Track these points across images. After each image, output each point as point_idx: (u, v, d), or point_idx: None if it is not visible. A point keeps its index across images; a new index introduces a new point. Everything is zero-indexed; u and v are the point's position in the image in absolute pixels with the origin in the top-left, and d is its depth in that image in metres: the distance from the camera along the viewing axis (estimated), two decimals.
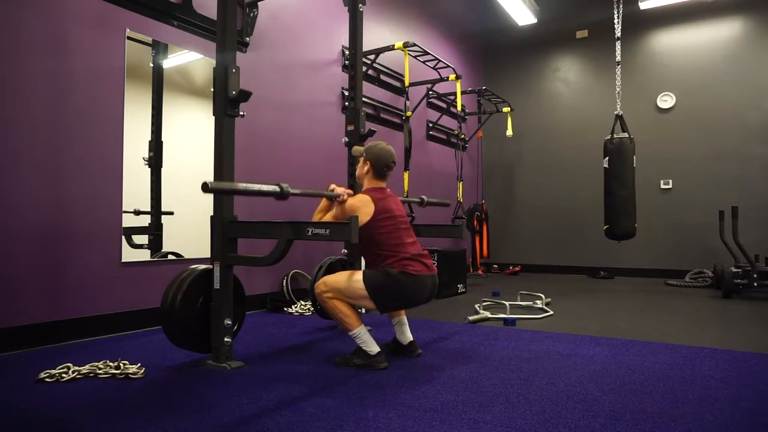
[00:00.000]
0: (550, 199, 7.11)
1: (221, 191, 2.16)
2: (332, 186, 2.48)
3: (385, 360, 2.28)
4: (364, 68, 4.85)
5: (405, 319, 2.54)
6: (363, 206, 2.34)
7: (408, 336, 2.51)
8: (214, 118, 2.36)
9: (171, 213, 3.27)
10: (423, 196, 3.30)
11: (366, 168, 2.49)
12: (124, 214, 3.02)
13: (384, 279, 2.26)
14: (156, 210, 3.24)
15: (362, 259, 3.16)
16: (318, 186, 4.36)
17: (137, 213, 3.11)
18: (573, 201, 6.92)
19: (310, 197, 2.93)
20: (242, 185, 2.09)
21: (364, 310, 3.11)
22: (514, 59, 7.51)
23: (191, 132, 3.52)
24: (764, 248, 5.33)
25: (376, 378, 2.12)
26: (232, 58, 2.34)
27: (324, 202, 2.51)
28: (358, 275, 2.30)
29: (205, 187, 1.93)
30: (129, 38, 3.06)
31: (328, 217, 2.42)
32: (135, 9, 3.09)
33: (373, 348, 2.27)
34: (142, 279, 3.10)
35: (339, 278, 2.33)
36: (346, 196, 2.39)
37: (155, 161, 3.23)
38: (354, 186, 3.09)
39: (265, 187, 2.11)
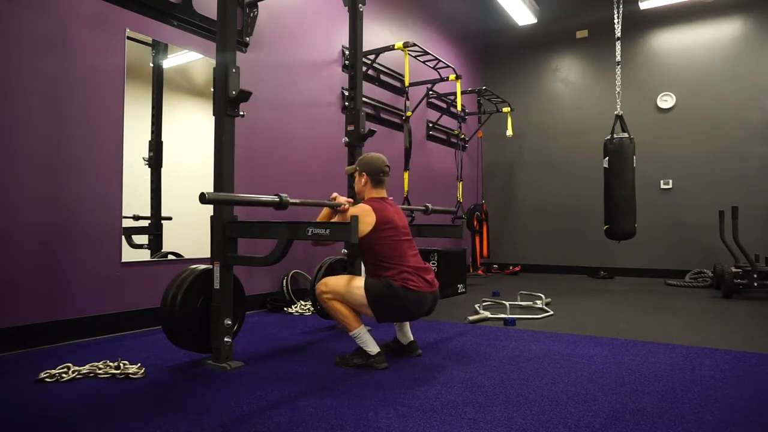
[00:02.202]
0: (550, 199, 7.11)
1: (219, 202, 2.15)
2: (334, 195, 2.48)
3: (385, 360, 2.28)
4: (364, 68, 4.85)
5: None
6: (364, 216, 2.32)
7: (408, 336, 2.51)
8: (214, 118, 2.36)
9: (169, 218, 3.27)
10: (428, 204, 3.28)
11: (363, 180, 2.49)
12: (123, 219, 3.02)
13: (385, 290, 2.25)
14: (156, 210, 3.24)
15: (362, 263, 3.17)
16: (318, 186, 4.38)
17: (136, 218, 3.11)
18: (573, 201, 6.92)
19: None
20: (240, 196, 2.08)
21: None
22: (514, 59, 7.51)
23: (191, 132, 3.52)
24: (764, 248, 5.33)
25: (376, 378, 2.12)
26: (232, 58, 2.34)
27: (325, 211, 2.50)
28: (360, 282, 2.30)
29: (203, 198, 1.93)
30: (129, 38, 3.06)
31: None
32: (135, 9, 3.09)
33: (373, 348, 2.27)
34: (142, 279, 3.10)
35: (340, 281, 2.33)
36: (347, 206, 2.39)
37: (155, 161, 3.23)
38: (353, 196, 3.08)
39: (264, 198, 2.11)
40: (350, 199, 2.48)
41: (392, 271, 2.29)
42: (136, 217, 3.10)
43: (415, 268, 2.33)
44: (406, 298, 2.25)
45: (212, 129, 2.37)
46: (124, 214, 3.02)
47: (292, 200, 2.16)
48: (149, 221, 3.21)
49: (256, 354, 2.52)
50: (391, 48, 4.76)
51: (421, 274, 2.33)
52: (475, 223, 6.42)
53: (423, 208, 3.26)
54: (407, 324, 2.54)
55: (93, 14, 2.88)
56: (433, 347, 2.68)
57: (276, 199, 2.11)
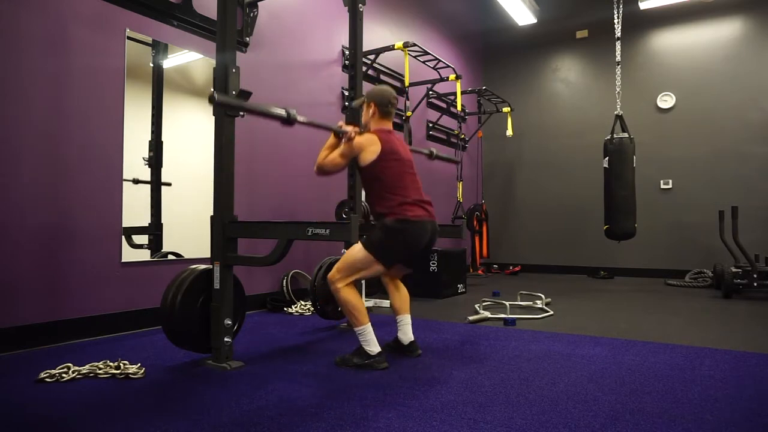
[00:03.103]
0: (550, 199, 7.11)
1: (227, 105, 2.11)
2: (340, 123, 2.47)
3: (385, 360, 2.28)
4: (364, 68, 4.85)
5: (409, 318, 2.54)
6: (370, 144, 2.34)
7: (409, 336, 2.51)
8: (214, 118, 2.36)
9: (169, 184, 3.27)
10: (432, 149, 3.28)
11: (371, 110, 2.49)
12: (124, 188, 3.02)
13: (380, 234, 2.27)
14: (156, 210, 3.24)
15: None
16: (318, 186, 4.38)
17: (136, 182, 3.09)
18: (573, 201, 6.92)
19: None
20: (249, 103, 2.07)
21: (372, 302, 3.07)
22: (514, 59, 7.51)
23: (191, 132, 3.52)
24: (764, 248, 5.33)
25: (376, 378, 2.12)
26: (232, 58, 2.34)
27: (331, 139, 2.49)
28: (357, 245, 2.30)
29: (212, 99, 1.91)
30: (129, 38, 3.06)
31: (335, 154, 2.40)
32: (135, 9, 3.09)
33: (374, 348, 2.27)
34: (142, 279, 3.10)
35: (344, 257, 2.33)
36: (353, 134, 2.38)
37: (155, 161, 3.23)
38: (353, 196, 3.09)
39: (273, 110, 2.10)
40: (357, 128, 2.46)
41: (393, 202, 2.30)
42: (136, 181, 3.09)
43: (416, 199, 2.36)
44: (402, 230, 2.27)
45: (212, 129, 2.37)
46: (124, 177, 3.01)
47: (299, 118, 2.16)
48: (149, 220, 3.21)
49: (256, 354, 2.52)
50: (391, 48, 4.76)
51: (420, 204, 2.36)
52: (475, 223, 6.42)
53: (428, 151, 3.24)
54: (410, 324, 2.53)
55: (93, 14, 2.88)
56: (433, 347, 2.68)
57: (284, 113, 2.12)
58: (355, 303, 2.29)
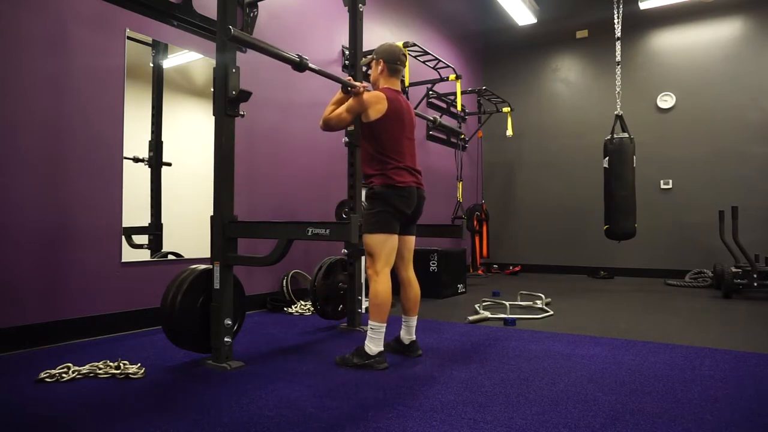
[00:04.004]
0: (550, 199, 7.11)
1: (242, 41, 2.11)
2: (349, 78, 2.47)
3: (385, 360, 2.28)
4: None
5: (415, 321, 2.53)
6: (377, 102, 2.35)
7: (411, 335, 2.51)
8: (214, 118, 2.36)
9: (169, 164, 3.28)
10: (436, 117, 3.28)
11: (380, 68, 2.49)
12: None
13: (370, 204, 2.32)
14: (156, 210, 3.24)
15: (362, 259, 3.16)
16: (318, 186, 4.39)
17: (136, 160, 3.09)
18: (573, 201, 6.92)
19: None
20: (263, 42, 2.10)
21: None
22: (514, 59, 7.51)
23: (191, 132, 3.52)
24: (764, 248, 5.34)
25: (376, 378, 2.12)
26: (232, 58, 2.34)
27: (339, 94, 2.50)
28: (363, 236, 2.34)
29: (228, 33, 1.94)
30: (129, 38, 3.06)
31: (341, 109, 2.40)
32: (135, 9, 3.09)
33: (376, 347, 2.27)
34: (142, 279, 3.10)
35: (365, 250, 2.36)
36: (362, 89, 2.38)
37: (155, 161, 3.23)
38: (353, 196, 3.08)
39: (285, 53, 2.13)
40: (366, 84, 2.45)
41: (386, 166, 2.34)
42: (136, 159, 3.09)
43: (408, 165, 2.39)
44: (391, 195, 2.31)
45: (212, 129, 2.37)
46: (125, 155, 3.02)
47: (311, 65, 2.20)
48: (149, 221, 3.21)
49: (256, 354, 2.52)
50: None
51: (410, 171, 2.40)
52: (475, 223, 6.42)
53: (431, 119, 3.26)
54: (414, 326, 2.52)
55: (93, 14, 2.88)
56: (433, 347, 2.68)
57: (296, 58, 2.16)
58: (384, 298, 2.29)
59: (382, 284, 2.30)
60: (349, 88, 2.40)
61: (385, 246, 2.32)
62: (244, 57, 3.76)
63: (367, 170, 2.41)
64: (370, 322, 2.30)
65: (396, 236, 2.36)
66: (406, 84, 5.08)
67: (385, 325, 2.30)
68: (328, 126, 2.44)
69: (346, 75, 4.65)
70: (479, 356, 2.48)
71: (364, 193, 2.54)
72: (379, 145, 2.36)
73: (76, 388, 1.97)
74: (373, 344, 2.27)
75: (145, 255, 3.17)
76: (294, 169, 4.20)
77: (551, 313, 3.68)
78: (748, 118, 5.95)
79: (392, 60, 2.47)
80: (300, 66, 2.16)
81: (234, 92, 2.30)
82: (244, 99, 2.32)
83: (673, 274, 6.12)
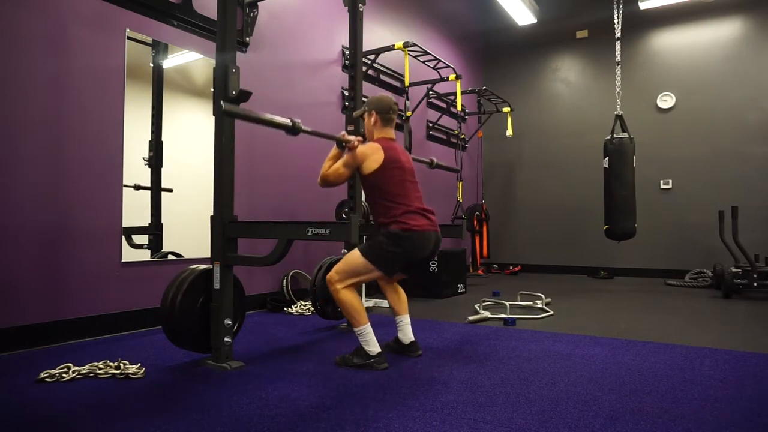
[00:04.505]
0: (550, 199, 7.11)
1: (235, 115, 2.11)
2: (342, 133, 2.47)
3: (385, 360, 2.28)
4: (364, 68, 4.85)
5: (408, 318, 2.54)
6: (373, 153, 2.35)
7: (409, 336, 2.51)
8: (214, 118, 2.36)
9: (170, 190, 3.28)
10: (433, 158, 3.29)
11: (373, 119, 2.49)
12: (124, 189, 3.02)
13: (383, 241, 2.27)
14: (156, 210, 3.24)
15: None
16: (319, 187, 4.37)
17: (137, 188, 3.10)
18: (573, 201, 6.92)
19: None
20: (255, 113, 2.08)
21: (371, 302, 3.08)
22: (514, 59, 7.51)
23: (191, 132, 3.52)
24: (764, 248, 5.33)
25: (376, 378, 2.12)
26: (232, 58, 2.34)
27: (334, 150, 2.48)
28: (355, 251, 2.31)
29: (220, 109, 1.92)
30: (129, 38, 3.06)
31: (338, 164, 2.39)
32: (135, 9, 3.09)
33: (374, 348, 2.27)
34: (142, 279, 3.10)
35: (344, 260, 2.34)
36: (356, 143, 2.38)
37: (155, 161, 3.23)
38: (352, 196, 3.08)
39: (277, 119, 2.10)
40: (360, 138, 2.45)
41: (397, 211, 2.30)
42: (137, 187, 3.10)
43: (418, 208, 2.36)
44: (404, 238, 2.26)
45: (212, 129, 2.37)
46: (123, 184, 3.02)
47: (304, 127, 2.16)
48: (149, 220, 3.21)
49: (256, 354, 2.52)
50: (391, 48, 4.76)
51: (423, 214, 2.36)
52: (475, 223, 6.42)
53: (428, 161, 3.26)
54: (409, 324, 2.54)
55: (93, 14, 2.88)
56: (433, 347, 2.68)
57: (288, 122, 2.12)
58: (354, 304, 2.29)
59: (347, 293, 2.29)
60: (344, 144, 2.40)
61: (368, 274, 2.31)
62: (244, 57, 3.76)
63: (381, 220, 2.36)
64: (354, 330, 2.30)
65: (383, 274, 2.35)
66: (406, 84, 5.08)
67: (368, 324, 2.29)
68: (327, 183, 2.42)
69: (345, 75, 4.66)
70: (479, 356, 2.48)
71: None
72: (384, 193, 2.35)
73: (76, 388, 1.97)
74: (370, 345, 2.27)
75: (145, 255, 3.17)
76: (294, 169, 4.20)
77: (551, 313, 3.68)
78: (748, 118, 5.95)
79: (384, 110, 2.47)
80: (293, 130, 2.12)
81: (234, 92, 2.30)
82: (244, 99, 2.32)
83: (673, 274, 6.12)
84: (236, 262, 2.32)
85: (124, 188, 3.01)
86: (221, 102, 1.97)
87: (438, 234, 2.41)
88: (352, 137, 2.41)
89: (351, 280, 2.30)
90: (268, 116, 2.08)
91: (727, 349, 2.63)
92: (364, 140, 2.49)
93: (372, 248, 2.28)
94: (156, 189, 3.24)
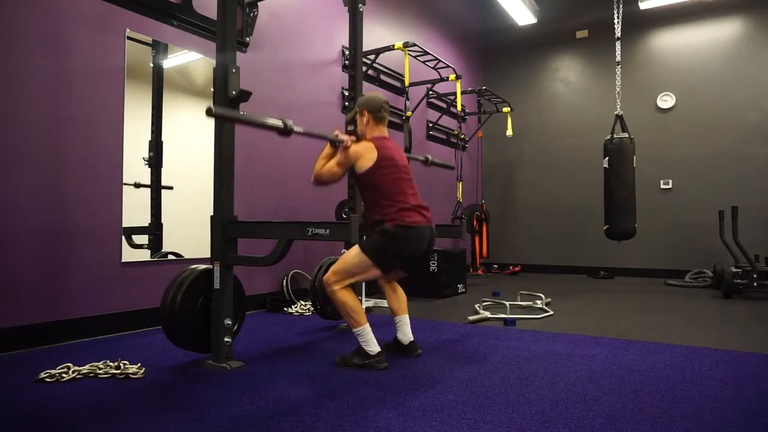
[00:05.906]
0: (550, 199, 7.11)
1: (225, 117, 2.10)
2: (336, 132, 2.47)
3: (385, 360, 2.28)
4: (364, 68, 4.85)
5: (407, 318, 2.55)
6: (366, 152, 2.34)
7: (409, 336, 2.51)
8: (214, 118, 2.36)
9: (170, 187, 3.27)
10: (428, 155, 3.29)
11: (365, 119, 2.48)
12: (124, 188, 3.02)
13: (379, 238, 2.27)
14: (156, 210, 3.24)
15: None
16: (319, 187, 4.37)
17: (137, 186, 3.10)
18: (573, 201, 6.92)
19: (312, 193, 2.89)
20: (246, 115, 2.06)
21: (371, 302, 3.09)
22: (514, 59, 7.51)
23: (191, 132, 3.52)
24: (764, 248, 5.33)
25: (376, 378, 2.12)
26: (232, 58, 2.34)
27: (328, 148, 2.48)
28: (354, 248, 2.30)
29: (209, 112, 1.91)
30: (129, 38, 3.06)
31: (332, 163, 2.39)
32: (135, 9, 3.09)
33: (374, 348, 2.27)
34: (142, 279, 3.10)
35: (341, 260, 2.33)
36: (350, 142, 2.38)
37: (155, 161, 3.23)
38: (352, 197, 3.08)
39: (269, 120, 2.09)
40: (353, 136, 2.45)
41: (392, 209, 2.30)
42: (138, 185, 3.10)
43: (414, 205, 2.36)
44: (401, 236, 2.26)
45: (212, 129, 2.37)
46: (124, 182, 3.02)
47: (296, 128, 2.15)
48: (149, 220, 3.21)
49: (256, 354, 2.52)
50: (391, 48, 4.76)
51: (418, 210, 2.36)
52: (475, 223, 6.42)
53: (423, 158, 3.26)
54: (408, 324, 2.54)
55: (93, 14, 2.88)
56: (433, 347, 2.68)
57: (280, 123, 2.10)
58: (352, 304, 2.28)
59: (344, 294, 2.29)
60: (337, 143, 2.40)
61: (365, 273, 2.31)
62: (244, 57, 3.76)
63: (375, 216, 2.35)
64: (353, 330, 2.30)
65: (381, 272, 2.34)
66: (406, 84, 5.08)
67: (367, 324, 2.29)
68: (320, 181, 2.41)
69: (345, 75, 4.66)
70: (479, 356, 2.48)
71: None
72: (380, 191, 2.34)
73: (76, 388, 1.97)
74: (370, 345, 2.27)
75: (145, 255, 3.17)
76: (294, 169, 4.20)
77: (551, 313, 3.68)
78: (748, 118, 5.95)
79: (375, 109, 2.47)
80: (285, 131, 2.11)
81: (234, 92, 2.30)
82: (244, 99, 2.32)
83: (673, 274, 6.11)
84: (236, 262, 2.32)
85: (124, 187, 3.02)
86: (210, 105, 1.95)
87: (432, 229, 2.41)
88: (345, 136, 2.41)
89: (348, 280, 2.30)
90: (259, 118, 2.08)
91: (727, 349, 2.63)
92: (358, 139, 2.49)
93: (369, 245, 2.29)
94: (156, 189, 3.24)
